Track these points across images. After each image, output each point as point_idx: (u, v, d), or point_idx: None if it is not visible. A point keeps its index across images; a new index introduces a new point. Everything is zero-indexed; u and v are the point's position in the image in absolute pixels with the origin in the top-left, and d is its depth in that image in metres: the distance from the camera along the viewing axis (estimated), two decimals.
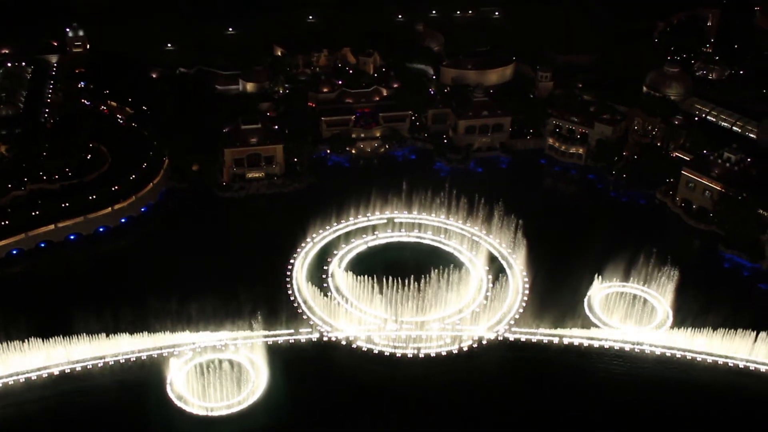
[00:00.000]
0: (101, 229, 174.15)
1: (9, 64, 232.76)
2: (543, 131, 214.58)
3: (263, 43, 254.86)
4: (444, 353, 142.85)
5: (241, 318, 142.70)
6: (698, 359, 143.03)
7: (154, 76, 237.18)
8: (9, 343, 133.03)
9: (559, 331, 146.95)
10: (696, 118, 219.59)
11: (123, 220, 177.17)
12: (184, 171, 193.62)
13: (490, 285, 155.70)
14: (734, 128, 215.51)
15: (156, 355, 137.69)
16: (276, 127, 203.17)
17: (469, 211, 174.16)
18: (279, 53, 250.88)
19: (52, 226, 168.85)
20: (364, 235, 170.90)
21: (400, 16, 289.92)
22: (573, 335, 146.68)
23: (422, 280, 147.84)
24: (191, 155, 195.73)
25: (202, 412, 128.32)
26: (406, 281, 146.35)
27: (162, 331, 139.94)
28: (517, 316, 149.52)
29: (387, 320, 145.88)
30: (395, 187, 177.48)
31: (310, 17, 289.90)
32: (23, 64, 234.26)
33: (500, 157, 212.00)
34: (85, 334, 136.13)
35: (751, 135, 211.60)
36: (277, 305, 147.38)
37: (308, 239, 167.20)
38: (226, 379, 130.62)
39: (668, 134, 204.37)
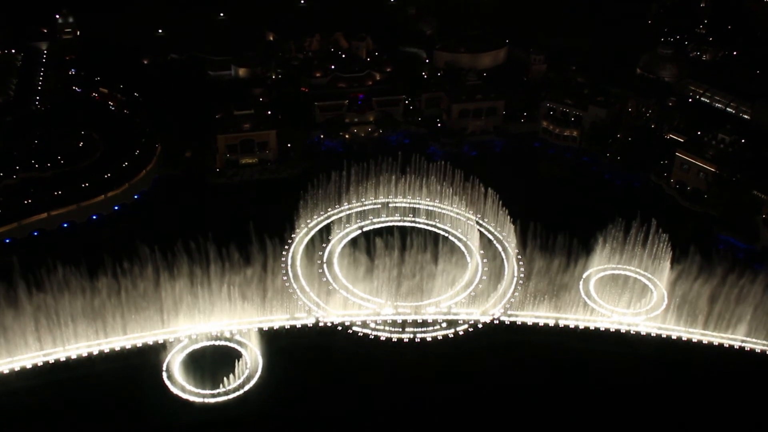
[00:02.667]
0: (94, 217, 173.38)
1: None
2: (537, 114, 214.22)
3: (255, 27, 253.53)
4: (440, 337, 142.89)
5: (237, 303, 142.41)
6: (694, 340, 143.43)
7: (145, 62, 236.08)
8: (3, 331, 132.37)
9: (555, 313, 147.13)
10: (690, 100, 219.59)
11: (116, 208, 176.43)
12: (176, 158, 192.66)
13: (486, 269, 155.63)
14: (728, 109, 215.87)
15: (152, 342, 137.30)
16: (269, 112, 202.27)
17: (464, 194, 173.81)
18: (271, 38, 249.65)
19: (44, 215, 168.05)
20: (359, 220, 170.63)
21: (392, 0, 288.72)
22: (569, 318, 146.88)
23: (417, 265, 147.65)
24: (184, 142, 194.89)
25: (198, 399, 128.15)
26: (401, 266, 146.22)
27: (158, 318, 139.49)
28: (512, 300, 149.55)
29: (382, 305, 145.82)
30: (389, 171, 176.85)
31: (302, 1, 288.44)
32: (13, 51, 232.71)
33: (494, 140, 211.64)
34: (80, 322, 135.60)
35: (745, 116, 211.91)
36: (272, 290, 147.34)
37: (302, 225, 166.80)
38: (222, 365, 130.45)
39: (662, 116, 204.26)
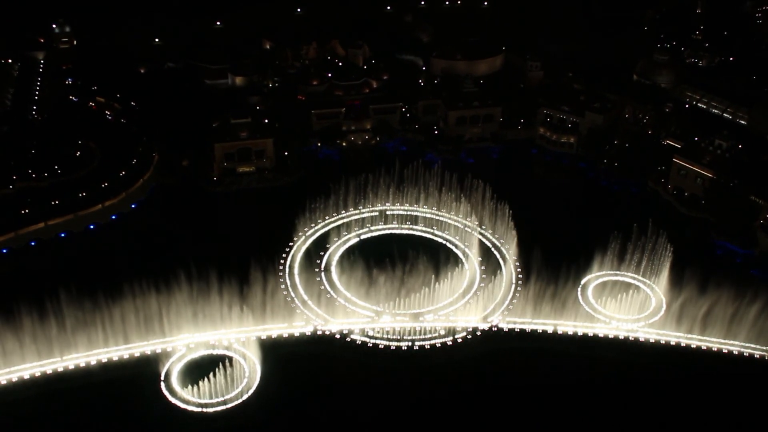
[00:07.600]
0: (92, 227, 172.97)
1: None
2: (534, 121, 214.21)
3: (252, 36, 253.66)
4: (438, 345, 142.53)
5: (234, 313, 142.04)
6: (693, 346, 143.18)
7: (142, 71, 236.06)
8: (0, 342, 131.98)
9: (553, 320, 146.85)
10: (686, 106, 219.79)
11: (113, 217, 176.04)
12: (173, 166, 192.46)
13: (483, 276, 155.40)
14: (725, 115, 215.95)
15: (149, 352, 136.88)
16: (266, 120, 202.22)
17: (461, 202, 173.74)
18: (268, 46, 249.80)
19: (42, 224, 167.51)
20: (356, 228, 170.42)
21: (388, 7, 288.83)
22: (567, 324, 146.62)
23: (415, 273, 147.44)
24: (181, 150, 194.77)
25: (196, 409, 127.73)
26: (399, 273, 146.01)
27: (155, 328, 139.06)
28: (510, 307, 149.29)
29: (381, 313, 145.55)
30: (386, 179, 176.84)
31: (299, 9, 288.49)
32: (10, 61, 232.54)
33: (491, 147, 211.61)
34: (78, 332, 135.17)
35: (742, 121, 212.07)
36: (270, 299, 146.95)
37: (300, 233, 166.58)
38: (219, 374, 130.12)
39: (659, 122, 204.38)
